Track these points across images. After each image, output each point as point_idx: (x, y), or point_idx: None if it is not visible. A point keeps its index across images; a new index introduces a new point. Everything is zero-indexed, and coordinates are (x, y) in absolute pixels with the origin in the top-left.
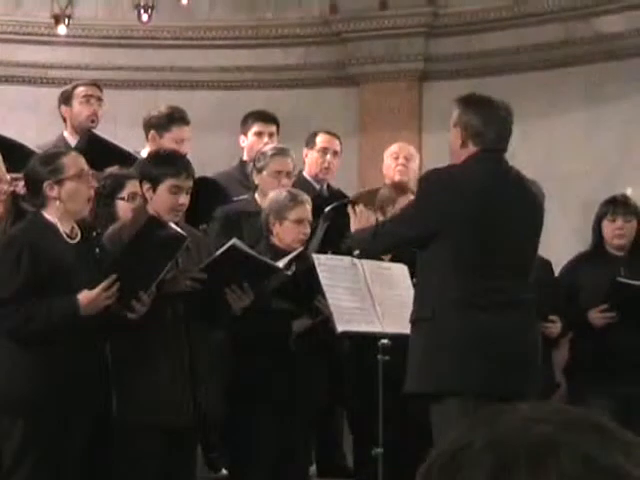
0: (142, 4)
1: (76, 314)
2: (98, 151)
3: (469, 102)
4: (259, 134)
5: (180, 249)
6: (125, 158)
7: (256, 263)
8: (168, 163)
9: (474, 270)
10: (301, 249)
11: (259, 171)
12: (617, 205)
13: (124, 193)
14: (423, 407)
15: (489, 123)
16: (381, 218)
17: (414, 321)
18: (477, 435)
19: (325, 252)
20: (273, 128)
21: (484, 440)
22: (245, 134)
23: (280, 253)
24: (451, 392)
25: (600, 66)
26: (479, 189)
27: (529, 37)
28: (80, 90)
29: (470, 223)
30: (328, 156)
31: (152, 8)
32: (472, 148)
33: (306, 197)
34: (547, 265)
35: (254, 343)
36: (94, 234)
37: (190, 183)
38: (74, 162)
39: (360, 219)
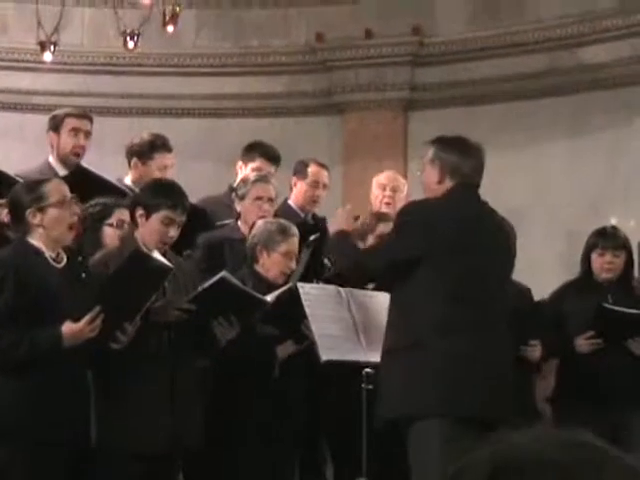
0: (128, 31)
1: (59, 345)
2: (85, 183)
3: (444, 141)
4: (258, 170)
5: (165, 280)
6: (112, 191)
7: (244, 296)
8: (167, 194)
9: (454, 297)
10: (290, 285)
11: (241, 198)
12: (607, 238)
13: (112, 220)
14: (399, 435)
15: (465, 159)
16: (362, 246)
17: (390, 350)
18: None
19: (309, 280)
20: (273, 169)
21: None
22: (245, 163)
23: (263, 282)
24: (434, 414)
25: (585, 96)
26: (459, 219)
27: (514, 67)
28: (70, 121)
29: (450, 251)
30: (318, 190)
31: (138, 35)
32: (449, 183)
33: (295, 230)
34: (527, 292)
35: (237, 369)
36: (80, 259)
37: (183, 218)
38: (57, 189)
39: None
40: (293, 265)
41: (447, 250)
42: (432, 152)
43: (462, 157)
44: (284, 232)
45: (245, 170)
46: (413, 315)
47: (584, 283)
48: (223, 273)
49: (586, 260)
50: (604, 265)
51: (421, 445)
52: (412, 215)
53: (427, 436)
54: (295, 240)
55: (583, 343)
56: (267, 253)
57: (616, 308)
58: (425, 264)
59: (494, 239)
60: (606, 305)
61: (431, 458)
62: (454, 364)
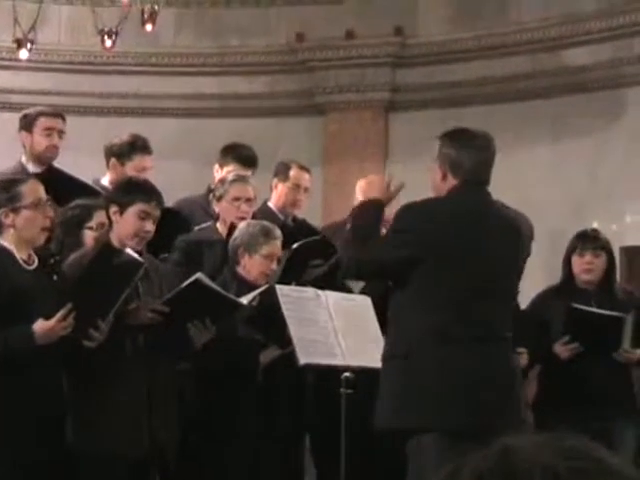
0: (106, 30)
1: (32, 344)
2: (57, 183)
3: (448, 135)
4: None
5: (137, 275)
6: (85, 191)
7: (220, 299)
8: (140, 189)
9: (452, 305)
10: (267, 286)
11: (219, 199)
12: (586, 240)
13: (92, 223)
14: (396, 444)
15: (467, 154)
16: None
17: (386, 357)
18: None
19: (289, 283)
20: (249, 173)
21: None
22: (221, 167)
23: (244, 284)
24: (431, 429)
25: (567, 99)
26: (458, 220)
27: (496, 68)
28: (42, 121)
29: (448, 256)
30: (299, 193)
31: (116, 34)
32: (452, 180)
33: (278, 233)
34: None
35: (220, 374)
36: (52, 261)
37: (158, 212)
38: (32, 190)
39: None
40: (275, 267)
41: (444, 255)
42: (437, 148)
43: (463, 152)
44: (267, 234)
45: (222, 173)
46: (407, 323)
47: (566, 288)
48: (198, 275)
49: (567, 263)
50: (584, 266)
51: (416, 459)
52: (408, 219)
53: (422, 451)
54: (278, 243)
55: (562, 349)
56: (249, 255)
57: (586, 308)
58: (420, 270)
59: (500, 239)
60: (576, 306)
61: (426, 472)
62: (447, 376)
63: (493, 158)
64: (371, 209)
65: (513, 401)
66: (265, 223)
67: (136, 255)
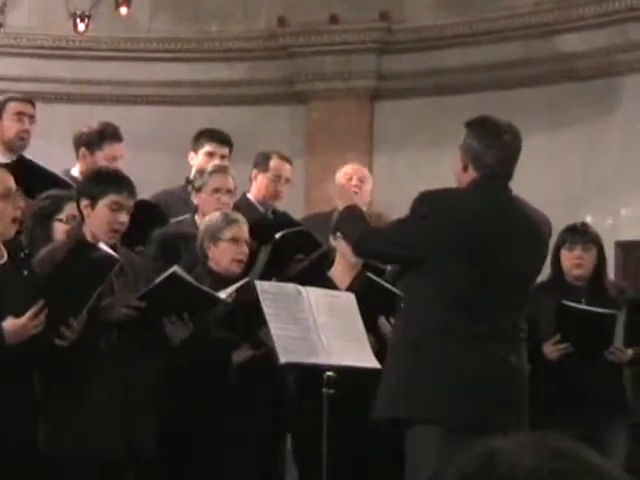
0: (78, 13)
1: (2, 343)
2: (27, 174)
3: (473, 124)
4: (210, 154)
5: (111, 272)
6: (55, 182)
7: (197, 293)
8: (110, 180)
9: (462, 302)
10: (247, 279)
11: (198, 190)
12: (576, 233)
13: (62, 215)
14: (394, 433)
15: (489, 147)
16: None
17: (391, 347)
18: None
19: (269, 278)
20: (226, 150)
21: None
22: (195, 152)
23: (219, 278)
24: (432, 421)
25: (561, 87)
26: (473, 218)
27: (487, 55)
28: (12, 106)
29: (460, 253)
30: (280, 183)
31: (89, 17)
32: (472, 173)
33: (241, 217)
34: None
35: (192, 374)
36: (22, 255)
37: (131, 202)
38: (1, 181)
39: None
40: (244, 250)
41: (457, 250)
42: (463, 137)
43: (486, 146)
44: (226, 218)
45: (197, 158)
46: (415, 316)
47: (555, 284)
48: (174, 268)
49: (556, 259)
50: (574, 260)
51: (415, 449)
52: (425, 207)
53: (422, 441)
54: (242, 226)
55: (551, 350)
56: (214, 244)
57: (577, 306)
58: (431, 264)
59: (518, 237)
60: (567, 303)
61: (425, 463)
62: (450, 372)
63: (518, 153)
64: (355, 215)
65: (513, 401)
66: (226, 211)
67: (110, 251)
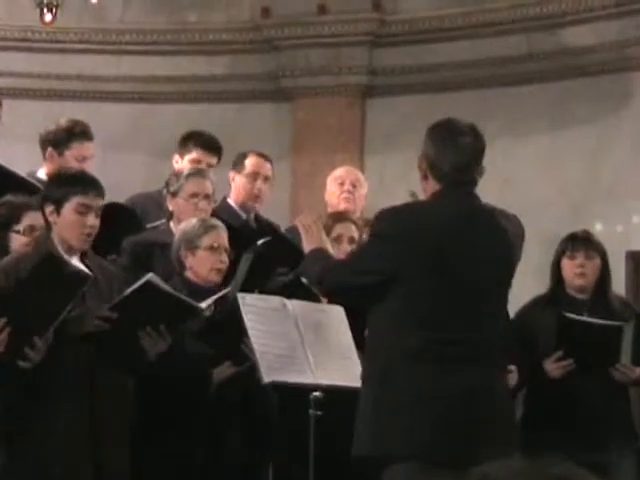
0: (45, 2)
1: None
2: None
3: (432, 128)
4: (197, 162)
5: (81, 289)
6: (21, 186)
7: (175, 302)
8: (73, 181)
9: (428, 323)
10: (228, 290)
11: (173, 195)
12: (577, 241)
13: (20, 226)
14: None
15: (442, 152)
16: None
17: (362, 379)
18: None
19: (251, 290)
20: (214, 160)
21: None
22: (181, 156)
23: (197, 289)
24: (399, 457)
25: (566, 84)
26: (435, 233)
27: (487, 49)
28: None
29: (424, 271)
30: (258, 182)
31: (57, 7)
32: (432, 181)
33: (220, 223)
34: None
35: (168, 392)
36: None
37: (100, 202)
38: None
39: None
40: (224, 259)
41: (422, 267)
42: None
43: (439, 151)
44: (204, 224)
45: (182, 163)
46: (381, 342)
47: (555, 296)
48: (149, 276)
49: (556, 269)
50: (575, 270)
51: None
52: (385, 226)
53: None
54: (221, 232)
55: (553, 367)
56: (192, 253)
57: (580, 318)
58: (398, 284)
59: (485, 247)
60: (568, 315)
61: None
62: (423, 402)
63: (478, 157)
64: (318, 256)
65: (493, 427)
66: (203, 217)
67: (82, 266)
